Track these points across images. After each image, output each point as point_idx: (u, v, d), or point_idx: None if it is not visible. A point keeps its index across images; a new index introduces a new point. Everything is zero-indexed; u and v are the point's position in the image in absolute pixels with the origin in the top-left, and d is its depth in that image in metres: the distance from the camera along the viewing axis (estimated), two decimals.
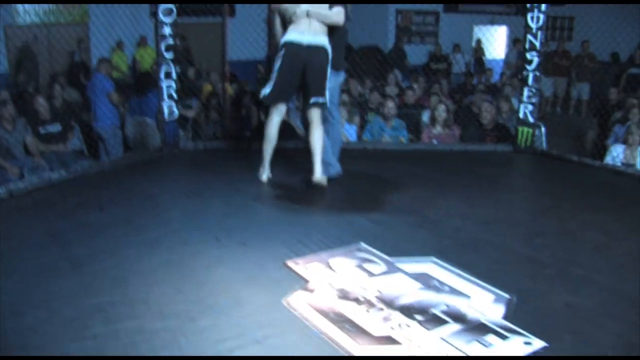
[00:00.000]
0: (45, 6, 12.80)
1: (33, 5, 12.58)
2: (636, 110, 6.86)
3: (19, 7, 12.63)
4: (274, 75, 4.37)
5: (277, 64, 4.34)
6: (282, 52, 4.31)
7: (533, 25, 5.67)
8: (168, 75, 5.51)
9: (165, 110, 5.56)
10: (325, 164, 4.56)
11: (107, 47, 11.84)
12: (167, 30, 5.41)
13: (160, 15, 5.37)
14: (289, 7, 4.36)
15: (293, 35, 4.29)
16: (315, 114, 4.41)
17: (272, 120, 4.52)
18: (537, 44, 5.68)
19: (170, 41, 5.45)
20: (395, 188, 4.63)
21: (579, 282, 3.05)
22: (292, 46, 4.28)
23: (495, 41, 14.20)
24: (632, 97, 8.46)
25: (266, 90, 4.42)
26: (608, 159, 6.48)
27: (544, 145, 7.70)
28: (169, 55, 5.47)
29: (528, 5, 5.65)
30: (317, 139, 4.42)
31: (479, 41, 14.06)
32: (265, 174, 4.66)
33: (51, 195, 4.53)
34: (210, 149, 5.88)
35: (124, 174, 5.07)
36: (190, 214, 4.00)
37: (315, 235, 3.57)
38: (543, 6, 5.60)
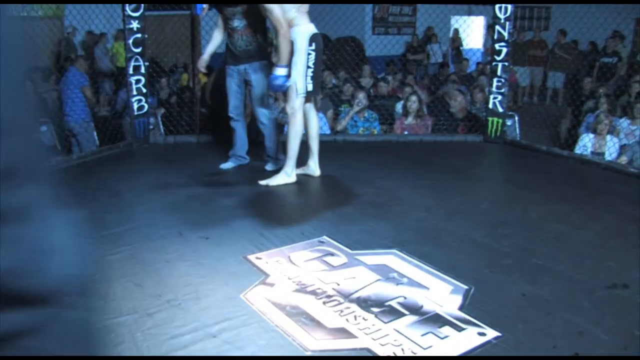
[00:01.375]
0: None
1: None
2: (604, 99, 6.91)
3: None
4: (308, 70, 4.35)
5: (311, 56, 4.34)
6: (313, 45, 4.33)
7: (501, 15, 5.69)
8: (136, 69, 5.47)
9: (135, 105, 5.53)
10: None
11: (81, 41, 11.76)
12: (134, 25, 5.37)
13: (128, 10, 5.33)
14: (293, 5, 4.34)
15: (311, 27, 4.35)
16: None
17: (301, 114, 4.47)
18: (506, 34, 5.71)
19: (139, 35, 5.41)
20: (362, 180, 4.64)
21: (537, 272, 3.09)
22: (318, 37, 4.38)
23: (472, 31, 14.25)
24: (603, 86, 8.57)
25: (308, 86, 4.38)
26: (578, 148, 6.54)
27: (517, 135, 7.78)
28: (137, 50, 5.43)
29: None
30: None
31: (456, 31, 14.12)
32: (294, 175, 4.56)
33: None
34: (180, 142, 5.87)
35: (93, 170, 5.04)
36: (154, 209, 3.99)
37: (279, 229, 3.59)
38: None
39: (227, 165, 4.93)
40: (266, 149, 4.84)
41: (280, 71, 4.28)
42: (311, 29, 4.36)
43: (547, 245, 3.45)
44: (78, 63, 7.41)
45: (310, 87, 4.41)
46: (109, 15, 8.77)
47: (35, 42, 11.39)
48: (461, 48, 13.57)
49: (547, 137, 8.29)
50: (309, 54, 4.34)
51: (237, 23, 4.58)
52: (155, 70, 7.37)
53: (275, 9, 4.23)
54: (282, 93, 4.84)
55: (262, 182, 4.48)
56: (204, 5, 4.62)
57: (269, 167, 4.83)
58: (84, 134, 6.99)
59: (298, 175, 4.60)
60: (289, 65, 4.29)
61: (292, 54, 4.30)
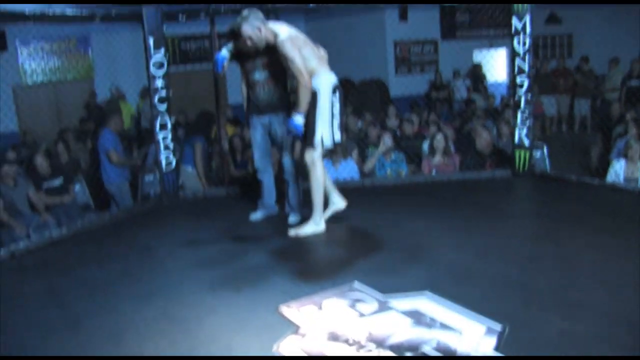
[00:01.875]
0: (52, 65, 13.13)
1: (40, 65, 12.92)
2: (633, 124, 6.82)
3: (27, 67, 12.96)
4: (334, 120, 4.41)
5: (336, 106, 4.41)
6: (337, 94, 4.41)
7: (520, 49, 5.70)
8: (163, 126, 5.59)
9: (163, 161, 5.63)
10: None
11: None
12: (159, 83, 5.51)
13: (152, 69, 5.47)
14: (314, 52, 4.41)
15: (332, 76, 4.42)
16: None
17: (321, 164, 4.49)
18: (526, 67, 5.70)
19: (163, 93, 5.54)
20: (391, 224, 4.62)
21: (574, 308, 3.02)
22: (339, 86, 4.46)
23: (496, 64, 14.28)
24: (632, 111, 8.46)
25: (335, 136, 4.43)
26: (610, 175, 6.44)
27: (547, 166, 7.69)
28: (162, 108, 5.56)
29: (513, 29, 5.69)
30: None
31: (478, 66, 14.12)
32: (323, 223, 4.55)
33: (52, 253, 4.60)
34: (210, 195, 5.93)
35: (124, 227, 5.13)
36: (186, 264, 4.03)
37: (310, 278, 3.59)
38: (528, 29, 5.63)
39: (257, 215, 4.95)
40: (289, 200, 4.85)
41: (298, 119, 4.31)
42: (333, 78, 4.41)
43: (583, 280, 3.38)
44: (111, 123, 7.54)
45: (337, 138, 4.44)
46: (135, 74, 9.01)
47: (67, 104, 11.80)
48: (484, 82, 13.57)
49: (578, 166, 8.20)
50: (332, 103, 4.39)
51: (258, 76, 4.63)
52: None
53: (296, 58, 4.26)
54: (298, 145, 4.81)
55: (292, 233, 4.48)
56: (225, 62, 4.62)
57: (292, 218, 4.79)
58: (119, 194, 7.13)
59: (327, 220, 4.60)
60: (307, 114, 4.33)
61: (314, 104, 4.32)
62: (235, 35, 4.43)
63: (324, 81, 4.37)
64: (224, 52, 4.61)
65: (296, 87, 4.32)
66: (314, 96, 4.33)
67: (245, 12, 4.34)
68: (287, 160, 4.75)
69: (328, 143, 4.42)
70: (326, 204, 4.62)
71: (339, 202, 4.68)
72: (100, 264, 4.19)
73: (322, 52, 4.57)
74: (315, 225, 4.50)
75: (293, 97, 4.54)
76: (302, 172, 4.62)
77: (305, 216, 4.64)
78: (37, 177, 6.92)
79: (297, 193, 4.81)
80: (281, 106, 4.70)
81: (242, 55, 4.62)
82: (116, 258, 4.30)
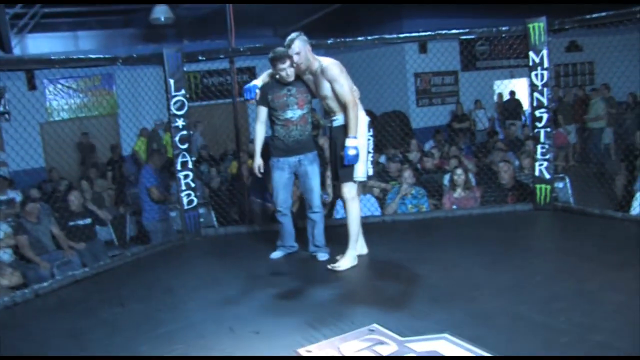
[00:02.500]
0: (78, 102, 13.42)
1: (66, 102, 13.22)
2: None
3: (54, 104, 13.26)
4: (369, 155, 4.51)
5: (370, 142, 4.51)
6: (371, 131, 4.53)
7: (538, 82, 5.70)
8: (184, 165, 5.65)
9: (184, 200, 5.68)
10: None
11: (135, 135, 12.27)
12: (180, 122, 5.59)
13: (173, 109, 5.56)
14: (354, 87, 4.53)
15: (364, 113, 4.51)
16: None
17: (358, 198, 4.61)
18: (545, 100, 5.69)
19: (184, 133, 5.62)
20: (411, 261, 4.59)
21: (597, 349, 2.97)
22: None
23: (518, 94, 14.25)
24: None
25: (369, 170, 4.54)
26: (634, 208, 6.35)
27: (570, 197, 7.63)
28: (183, 146, 5.63)
29: (531, 63, 5.69)
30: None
31: (500, 95, 14.13)
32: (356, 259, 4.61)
33: (75, 292, 4.65)
34: (231, 233, 5.96)
35: (146, 266, 5.17)
36: (206, 305, 4.04)
37: (329, 319, 3.56)
38: (546, 63, 5.63)
39: (277, 254, 4.95)
40: (315, 238, 4.84)
41: (353, 142, 4.32)
42: (366, 116, 4.51)
43: (606, 319, 3.32)
44: (152, 160, 7.63)
45: (371, 172, 4.55)
46: (159, 110, 9.14)
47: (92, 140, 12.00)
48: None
49: (603, 196, 8.07)
50: (368, 139, 4.47)
51: (292, 114, 4.63)
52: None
53: (345, 82, 4.36)
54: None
55: (331, 266, 4.51)
56: (257, 90, 4.63)
57: (323, 256, 4.79)
58: (157, 233, 7.15)
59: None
60: (340, 147, 4.40)
61: (344, 139, 4.37)
62: (274, 56, 4.48)
63: (362, 117, 4.45)
64: (256, 84, 4.65)
65: (345, 113, 4.37)
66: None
67: (293, 34, 4.40)
68: (316, 198, 4.75)
69: (364, 178, 4.52)
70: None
71: (362, 248, 4.75)
72: (121, 304, 4.22)
73: (355, 88, 4.61)
74: (353, 260, 4.54)
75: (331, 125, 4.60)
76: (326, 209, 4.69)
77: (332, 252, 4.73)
78: (65, 214, 7.03)
79: (323, 231, 4.82)
80: (311, 145, 4.75)
81: (273, 90, 4.63)
82: (137, 298, 4.33)
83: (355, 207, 4.53)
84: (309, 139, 4.74)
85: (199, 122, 12.02)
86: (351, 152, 4.31)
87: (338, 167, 4.49)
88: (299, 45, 4.35)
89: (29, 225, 6.64)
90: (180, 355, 3.27)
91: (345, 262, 4.51)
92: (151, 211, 7.25)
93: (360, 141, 4.37)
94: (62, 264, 6.44)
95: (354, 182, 4.49)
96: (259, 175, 4.84)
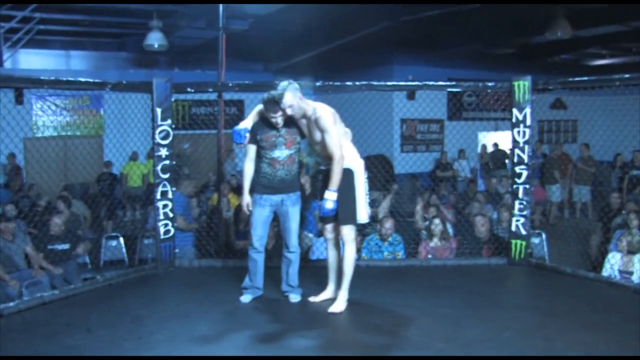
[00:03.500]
0: (63, 120, 13.42)
1: (52, 119, 13.22)
2: (634, 216, 6.81)
3: (39, 121, 13.24)
4: (367, 197, 4.56)
5: (366, 185, 4.56)
6: (366, 174, 4.57)
7: (520, 139, 5.79)
8: (164, 194, 5.65)
9: (161, 229, 5.66)
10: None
11: (120, 158, 12.24)
12: (163, 152, 5.61)
13: (157, 138, 5.58)
14: (346, 130, 4.58)
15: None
16: None
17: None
18: (525, 157, 5.77)
19: (167, 162, 5.62)
20: (381, 309, 4.59)
21: None
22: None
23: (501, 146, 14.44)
24: (632, 202, 8.48)
25: (368, 212, 4.59)
26: (606, 267, 6.42)
27: (545, 253, 7.69)
28: (165, 176, 5.64)
29: (514, 119, 5.80)
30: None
31: (484, 147, 14.30)
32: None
33: (42, 315, 4.58)
34: (205, 266, 5.92)
35: (117, 293, 5.11)
36: (173, 337, 4.01)
37: None
38: (529, 121, 5.74)
39: (247, 298, 4.81)
40: (290, 277, 4.79)
41: (332, 195, 4.33)
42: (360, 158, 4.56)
43: None
44: (181, 187, 7.54)
45: (368, 214, 4.60)
46: (143, 137, 9.14)
47: (74, 159, 11.95)
48: (489, 164, 13.71)
49: (577, 253, 8.14)
50: (360, 180, 4.52)
51: (279, 154, 4.59)
52: None
53: (335, 133, 4.35)
54: (331, 223, 4.71)
55: (331, 311, 4.48)
56: (247, 134, 4.58)
57: (294, 297, 4.77)
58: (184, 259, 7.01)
59: (314, 304, 4.69)
60: (344, 193, 4.40)
61: (351, 182, 4.44)
62: (266, 104, 4.45)
63: (359, 160, 4.51)
64: (245, 125, 4.62)
65: (328, 165, 4.42)
66: (351, 174, 4.45)
67: (284, 83, 4.38)
68: (294, 238, 4.72)
69: (366, 220, 4.57)
70: (325, 284, 4.76)
71: (334, 293, 4.73)
72: (88, 331, 4.17)
73: (347, 130, 4.65)
74: (346, 300, 4.55)
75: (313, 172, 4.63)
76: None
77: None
78: (44, 237, 6.98)
79: (298, 271, 4.80)
80: (295, 185, 4.74)
81: (262, 130, 4.59)
82: (104, 325, 4.28)
83: (353, 249, 4.56)
84: (295, 178, 4.72)
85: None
86: (328, 205, 4.33)
87: (339, 209, 4.43)
88: (290, 97, 4.32)
89: (2, 242, 6.58)
90: None
91: (341, 305, 4.52)
92: (184, 239, 7.11)
93: (359, 185, 4.47)
94: (31, 284, 6.35)
95: (355, 224, 4.54)
96: (247, 213, 4.76)
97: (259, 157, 4.65)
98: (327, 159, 4.45)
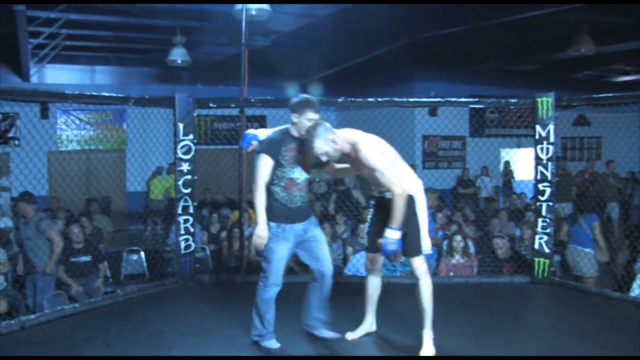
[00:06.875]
0: (87, 134, 13.58)
1: (76, 133, 13.38)
2: None
3: (63, 135, 13.40)
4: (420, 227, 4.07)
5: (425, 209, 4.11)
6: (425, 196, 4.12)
7: (543, 156, 5.73)
8: (185, 209, 5.67)
9: (182, 244, 5.67)
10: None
11: (142, 173, 12.31)
12: (185, 167, 5.63)
13: (179, 153, 5.60)
14: (395, 153, 4.10)
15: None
16: None
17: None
18: (549, 174, 5.71)
19: (189, 177, 5.64)
20: (401, 329, 4.51)
21: None
22: None
23: (524, 163, 14.31)
24: None
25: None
26: (634, 287, 6.28)
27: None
28: (186, 190, 5.66)
29: (537, 136, 5.74)
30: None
31: (507, 164, 14.18)
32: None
33: (62, 328, 4.62)
34: (225, 282, 5.91)
35: (137, 307, 5.13)
36: (191, 352, 4.01)
37: None
38: (552, 138, 5.68)
39: (275, 343, 4.18)
40: (322, 314, 4.26)
41: (395, 234, 3.84)
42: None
43: None
44: None
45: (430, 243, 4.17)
46: (165, 152, 9.20)
47: (97, 173, 12.06)
48: (512, 181, 13.59)
49: (604, 272, 7.99)
50: (417, 210, 4.05)
51: (299, 175, 4.06)
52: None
53: (386, 169, 3.86)
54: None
55: (423, 354, 4.02)
56: (253, 142, 4.12)
57: (330, 334, 4.22)
58: None
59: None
60: (406, 222, 3.90)
61: (414, 210, 3.99)
62: (303, 108, 3.96)
63: (418, 184, 4.08)
64: (256, 133, 4.16)
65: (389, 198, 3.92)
66: (412, 202, 3.97)
67: (311, 126, 3.86)
68: (329, 270, 4.15)
69: (430, 251, 4.16)
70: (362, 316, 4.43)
71: (373, 326, 4.44)
72: (107, 344, 4.18)
73: (392, 150, 4.14)
74: (432, 337, 4.11)
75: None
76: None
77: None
78: (66, 250, 7.00)
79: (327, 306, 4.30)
80: (310, 210, 4.25)
81: (286, 142, 4.03)
82: (124, 339, 4.30)
83: (428, 283, 4.07)
84: (309, 206, 4.27)
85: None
86: (391, 246, 3.87)
87: (405, 241, 3.98)
88: (322, 144, 3.83)
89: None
90: None
91: (430, 347, 4.05)
92: None
93: (421, 211, 4.01)
94: (52, 297, 6.38)
95: (422, 255, 4.07)
96: (261, 249, 4.06)
97: (271, 183, 4.03)
98: (382, 186, 3.99)
